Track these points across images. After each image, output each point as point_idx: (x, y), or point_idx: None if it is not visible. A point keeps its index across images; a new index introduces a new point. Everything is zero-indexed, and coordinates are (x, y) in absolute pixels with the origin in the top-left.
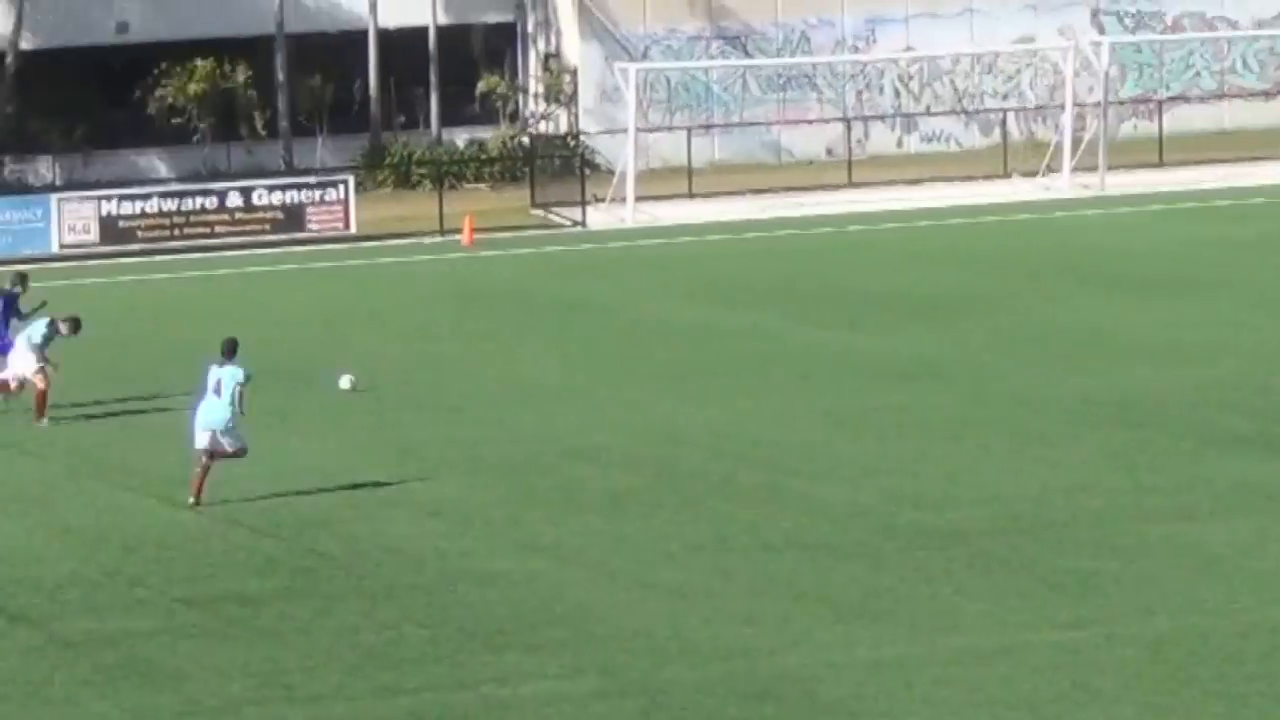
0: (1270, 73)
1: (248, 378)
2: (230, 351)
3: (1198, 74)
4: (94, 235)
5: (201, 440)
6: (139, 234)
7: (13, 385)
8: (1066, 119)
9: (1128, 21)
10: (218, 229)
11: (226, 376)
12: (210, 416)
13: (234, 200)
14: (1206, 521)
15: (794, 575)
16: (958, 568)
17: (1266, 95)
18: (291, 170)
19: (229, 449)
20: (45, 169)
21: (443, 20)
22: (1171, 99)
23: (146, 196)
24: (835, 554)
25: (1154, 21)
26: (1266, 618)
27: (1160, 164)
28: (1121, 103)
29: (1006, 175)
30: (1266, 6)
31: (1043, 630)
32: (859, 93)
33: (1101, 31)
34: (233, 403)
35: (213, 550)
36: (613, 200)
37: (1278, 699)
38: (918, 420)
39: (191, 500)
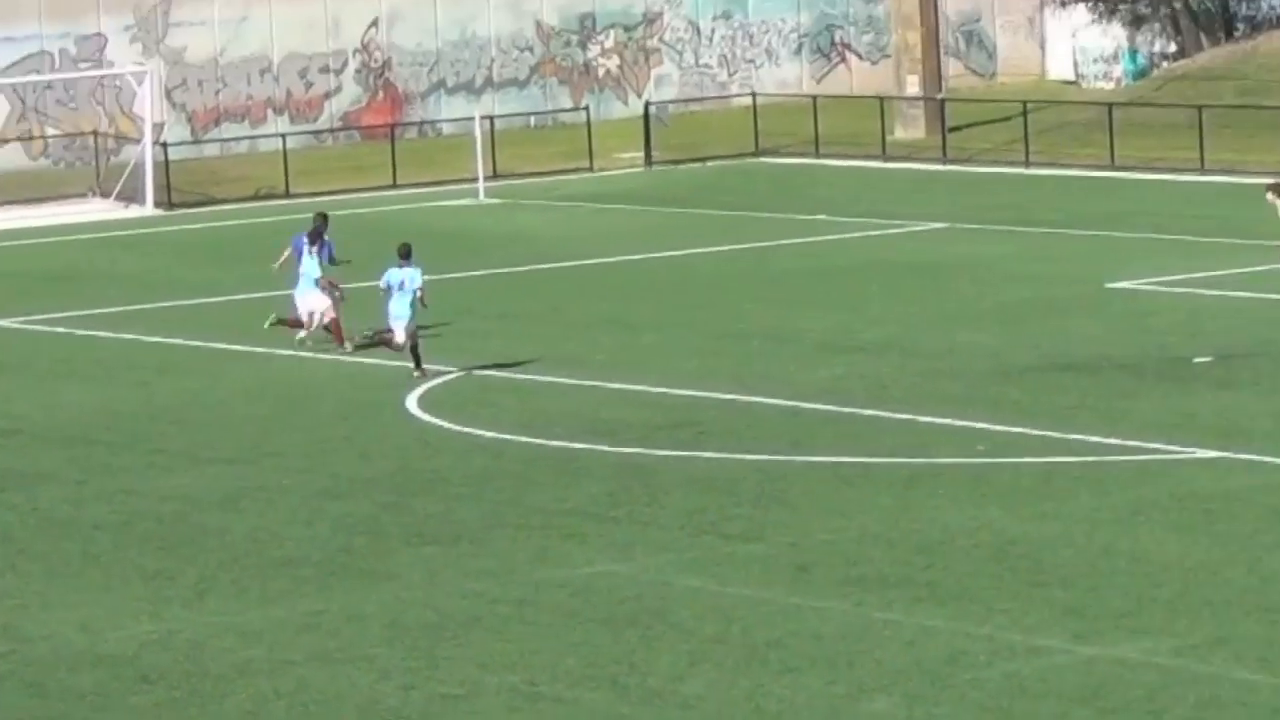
0: None
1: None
2: (406, 255)
3: None
4: None
5: (398, 331)
6: None
7: (306, 320)
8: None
9: None
10: None
11: (408, 277)
12: (400, 310)
13: None
14: None
15: None
16: None
17: None
18: None
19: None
20: None
21: None
22: None
23: None
24: None
25: None
26: None
27: None
28: None
29: None
30: None
31: None
32: None
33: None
34: (414, 299)
35: None
36: None
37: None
38: None
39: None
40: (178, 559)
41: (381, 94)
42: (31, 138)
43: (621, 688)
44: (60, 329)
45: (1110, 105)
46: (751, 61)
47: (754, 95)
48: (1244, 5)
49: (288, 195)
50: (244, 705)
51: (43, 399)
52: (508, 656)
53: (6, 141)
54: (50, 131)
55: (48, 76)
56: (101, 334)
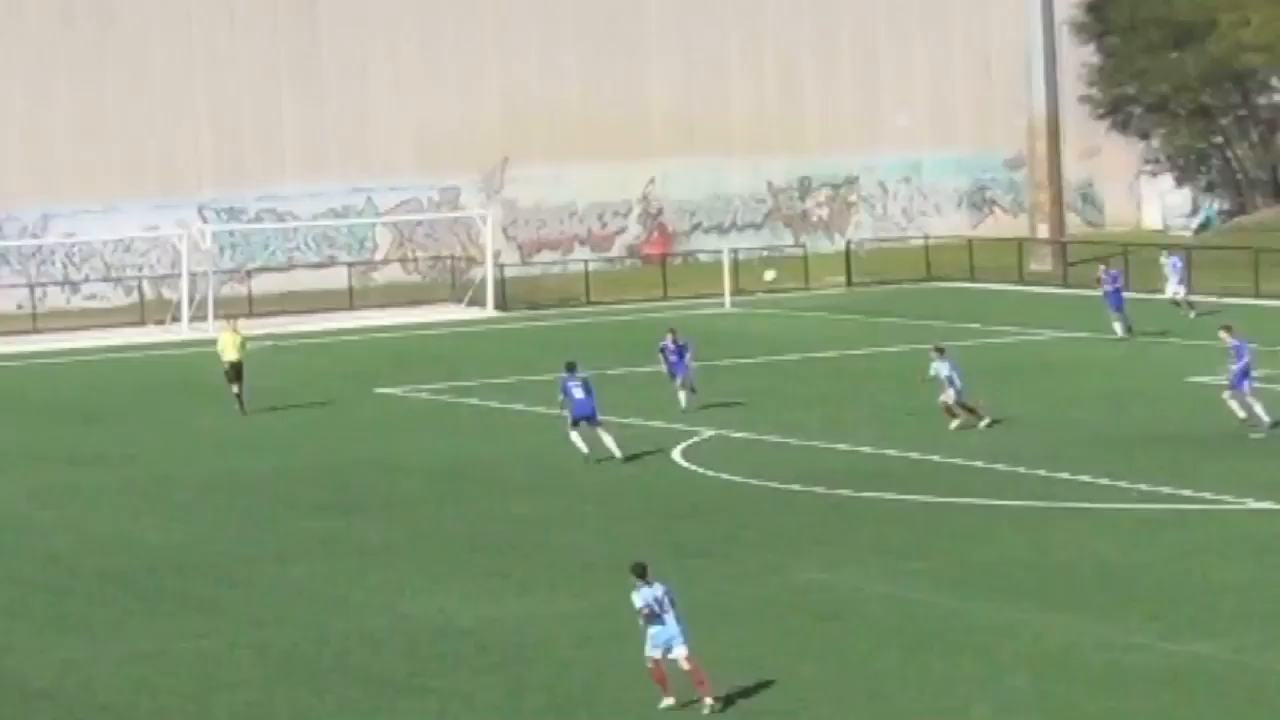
0: (324, 250)
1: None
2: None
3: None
4: None
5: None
6: None
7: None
8: (183, 283)
9: (222, 215)
10: None
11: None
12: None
13: None
14: (295, 562)
15: (8, 601)
16: (124, 595)
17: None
18: None
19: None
20: None
21: None
22: (255, 269)
23: None
24: (37, 585)
25: (240, 215)
26: (336, 629)
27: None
28: (220, 271)
29: (143, 324)
30: (318, 205)
31: (184, 639)
32: (39, 265)
33: (205, 221)
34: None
35: None
36: None
37: (349, 682)
38: (91, 494)
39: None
40: (510, 561)
41: (656, 232)
42: (406, 259)
43: (826, 663)
44: (430, 396)
45: (1189, 248)
46: (924, 213)
47: (926, 237)
48: None
49: (588, 303)
50: (552, 668)
51: (419, 445)
52: (745, 639)
53: (389, 262)
54: (420, 255)
55: (419, 216)
56: (461, 400)
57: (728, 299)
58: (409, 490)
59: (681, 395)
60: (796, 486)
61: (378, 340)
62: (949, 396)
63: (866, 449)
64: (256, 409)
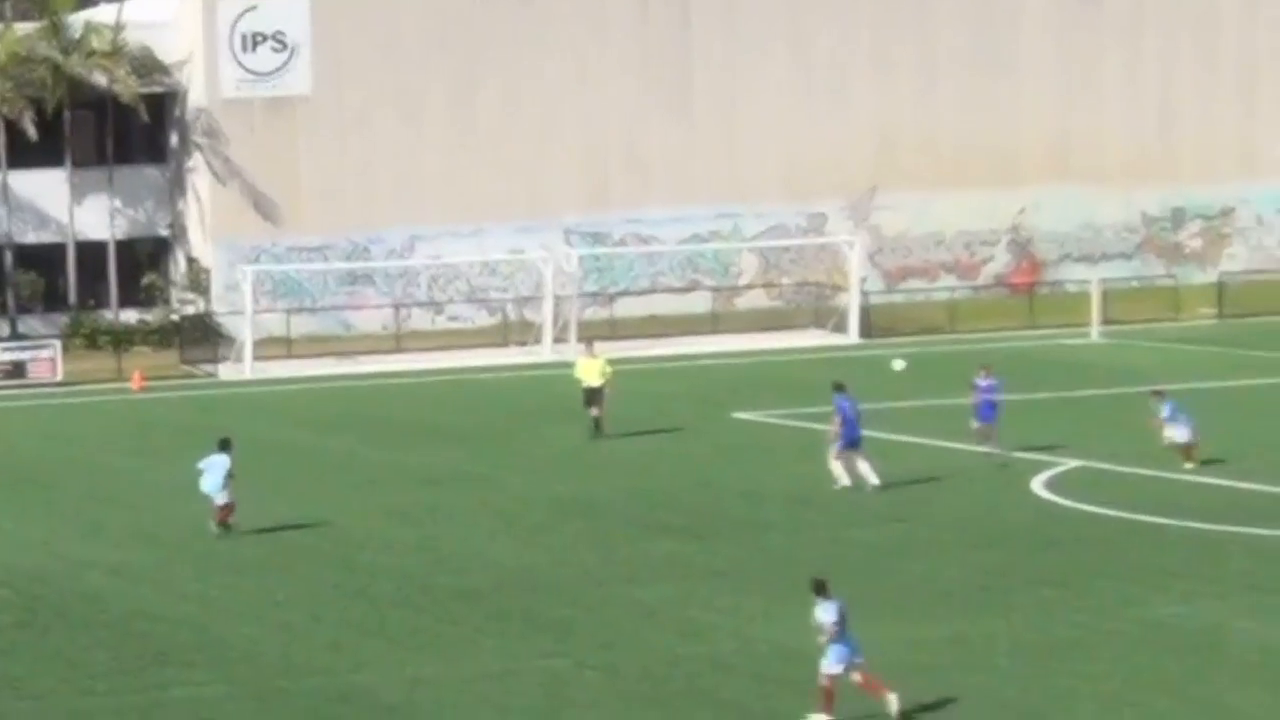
0: (687, 275)
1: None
2: (224, 446)
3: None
4: None
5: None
6: None
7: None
8: (546, 306)
9: (587, 239)
10: None
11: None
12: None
13: None
14: (646, 585)
15: (361, 619)
16: (475, 614)
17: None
18: (15, 336)
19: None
20: None
21: (119, 236)
22: (618, 293)
23: None
24: (391, 603)
25: (605, 239)
26: (686, 653)
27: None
28: (583, 294)
29: (505, 345)
30: (683, 230)
31: (533, 659)
32: (404, 286)
33: (570, 245)
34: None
35: None
36: (236, 360)
37: (698, 705)
38: (447, 512)
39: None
40: (862, 589)
41: (1024, 261)
42: (771, 285)
43: (1183, 697)
44: (789, 421)
45: None
46: None
47: None
48: None
49: (952, 331)
50: (904, 696)
51: (775, 470)
52: (1099, 672)
53: (754, 287)
54: (784, 280)
55: (785, 242)
56: (820, 426)
57: (1095, 329)
58: (763, 515)
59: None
60: (1161, 519)
61: (738, 365)
62: (1177, 436)
63: (1234, 483)
64: (615, 433)
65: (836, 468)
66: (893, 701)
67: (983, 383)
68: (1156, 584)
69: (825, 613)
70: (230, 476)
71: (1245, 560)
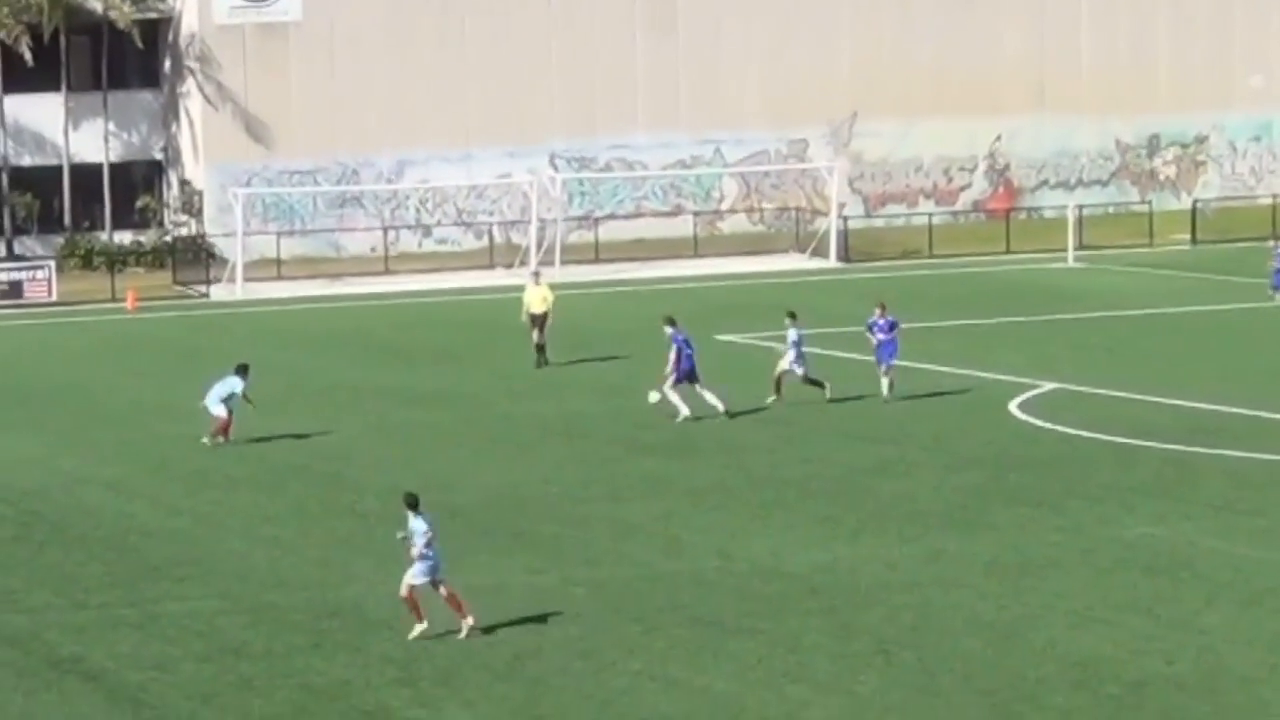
0: (671, 200)
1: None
2: (241, 370)
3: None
4: None
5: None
6: None
7: None
8: (532, 229)
9: (573, 164)
10: None
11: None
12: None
13: None
14: (629, 503)
15: (349, 535)
16: (463, 531)
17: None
18: (12, 256)
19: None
20: None
21: (113, 159)
22: (603, 216)
23: None
24: (379, 519)
25: (590, 164)
26: (668, 569)
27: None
28: (569, 218)
29: (492, 267)
30: (667, 155)
31: (519, 574)
32: (393, 209)
33: (556, 169)
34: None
35: None
36: (228, 280)
37: (679, 621)
38: (434, 431)
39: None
40: (841, 508)
41: (1001, 187)
42: (752, 210)
43: (1154, 616)
44: (770, 343)
45: None
46: (1273, 172)
47: (1275, 196)
48: None
49: (930, 256)
50: (881, 613)
51: (756, 391)
52: (1073, 590)
53: (735, 212)
54: (765, 205)
55: (766, 168)
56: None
57: (1071, 255)
58: (743, 435)
59: (884, 382)
60: (1134, 441)
61: (721, 288)
62: (787, 365)
63: (1206, 405)
64: (599, 355)
65: (674, 398)
66: (467, 625)
67: (881, 321)
68: (1129, 504)
69: (420, 523)
70: (242, 398)
71: (1217, 481)
